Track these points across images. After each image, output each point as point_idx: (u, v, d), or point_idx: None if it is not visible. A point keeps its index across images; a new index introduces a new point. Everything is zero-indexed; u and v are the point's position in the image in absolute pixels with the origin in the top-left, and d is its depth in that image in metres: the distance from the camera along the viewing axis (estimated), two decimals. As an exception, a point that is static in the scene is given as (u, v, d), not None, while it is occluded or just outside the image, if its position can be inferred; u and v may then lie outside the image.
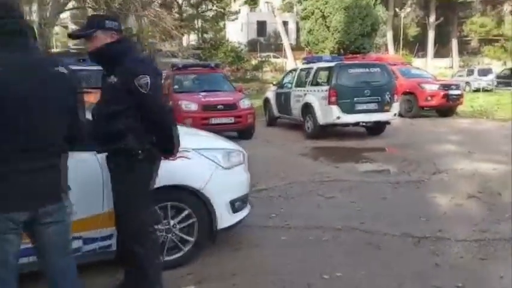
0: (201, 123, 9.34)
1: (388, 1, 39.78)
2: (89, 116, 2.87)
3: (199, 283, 3.41)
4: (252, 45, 42.46)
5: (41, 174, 2.13)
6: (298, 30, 41.20)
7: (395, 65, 15.80)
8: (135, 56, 2.79)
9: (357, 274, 3.54)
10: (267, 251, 4.07)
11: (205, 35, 41.37)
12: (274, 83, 15.07)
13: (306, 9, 31.62)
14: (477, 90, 23.94)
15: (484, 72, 28.93)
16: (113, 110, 2.73)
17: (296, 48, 37.90)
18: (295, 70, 13.28)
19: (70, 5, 20.91)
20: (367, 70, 10.95)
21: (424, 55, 43.51)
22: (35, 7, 17.34)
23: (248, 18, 47.47)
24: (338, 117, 10.36)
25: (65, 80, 2.22)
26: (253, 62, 34.16)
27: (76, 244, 3.17)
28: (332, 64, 11.07)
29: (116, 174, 2.88)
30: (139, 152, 2.75)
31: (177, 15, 32.93)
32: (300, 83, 11.95)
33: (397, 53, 36.72)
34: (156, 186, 3.03)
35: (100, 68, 2.93)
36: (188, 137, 3.70)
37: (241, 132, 10.56)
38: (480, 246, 4.09)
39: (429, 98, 14.89)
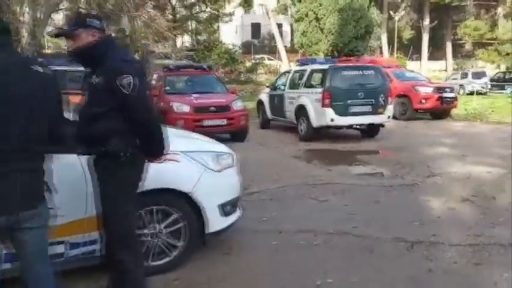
0: (194, 125, 9.26)
1: (382, 4, 39.98)
2: (76, 117, 2.80)
3: (187, 289, 3.33)
4: (246, 47, 42.41)
5: (16, 178, 2.04)
6: (292, 32, 41.23)
7: (389, 67, 15.87)
8: (118, 55, 2.69)
9: (350, 279, 3.48)
10: (258, 255, 3.99)
11: (198, 37, 41.29)
12: (268, 85, 15.00)
13: (299, 11, 31.72)
14: (471, 93, 24.01)
15: (478, 75, 29.09)
16: (95, 112, 2.64)
17: (290, 50, 37.90)
18: (288, 72, 13.20)
19: (62, 5, 20.75)
20: (361, 73, 10.89)
21: (418, 58, 43.73)
22: (27, 8, 17.17)
23: (242, 20, 47.50)
24: (332, 120, 10.29)
25: (41, 79, 2.14)
26: (247, 64, 34.07)
27: (60, 249, 3.10)
28: (326, 66, 11.01)
29: (102, 176, 2.80)
30: (124, 154, 2.66)
31: (170, 17, 32.75)
32: (294, 85, 11.88)
33: (391, 56, 36.97)
34: (143, 189, 2.95)
35: None
36: (177, 140, 3.65)
37: (234, 135, 10.46)
38: (474, 251, 4.02)
39: (423, 101, 14.91)
